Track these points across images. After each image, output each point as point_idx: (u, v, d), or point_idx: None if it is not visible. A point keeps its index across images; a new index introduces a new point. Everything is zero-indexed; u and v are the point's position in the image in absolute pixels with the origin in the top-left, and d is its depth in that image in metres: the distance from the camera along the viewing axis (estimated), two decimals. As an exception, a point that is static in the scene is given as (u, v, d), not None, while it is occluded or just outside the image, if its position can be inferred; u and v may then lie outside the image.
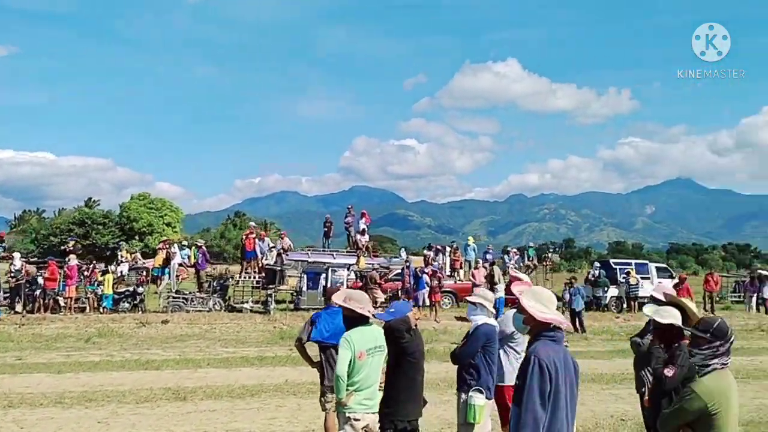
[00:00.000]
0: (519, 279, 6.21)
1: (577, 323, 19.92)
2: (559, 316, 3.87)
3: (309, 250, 29.28)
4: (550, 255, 29.04)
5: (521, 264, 27.92)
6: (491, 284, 22.03)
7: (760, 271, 29.00)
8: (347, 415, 5.31)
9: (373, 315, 5.34)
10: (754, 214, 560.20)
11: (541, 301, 3.83)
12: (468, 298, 6.01)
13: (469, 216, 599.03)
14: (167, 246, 23.27)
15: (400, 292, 22.89)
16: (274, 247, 24.80)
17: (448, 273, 26.21)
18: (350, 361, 5.25)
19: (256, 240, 23.61)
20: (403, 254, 35.35)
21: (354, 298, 5.44)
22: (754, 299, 26.32)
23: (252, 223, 28.18)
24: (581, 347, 16.72)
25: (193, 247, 24.31)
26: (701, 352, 3.68)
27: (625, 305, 24.67)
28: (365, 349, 5.20)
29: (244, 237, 24.30)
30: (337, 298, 5.58)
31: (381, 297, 22.89)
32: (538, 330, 3.81)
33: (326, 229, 28.67)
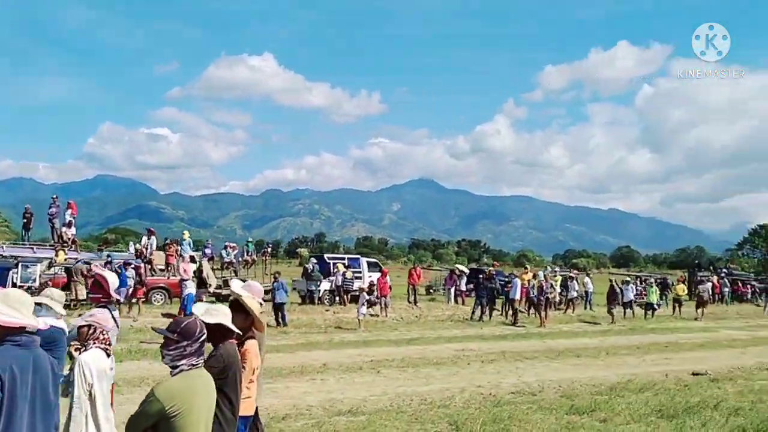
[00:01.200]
0: (102, 276, 5.95)
1: (279, 316, 20.25)
2: (28, 319, 3.68)
3: (4, 243, 26.50)
4: (268, 249, 29.33)
5: (240, 258, 27.89)
6: (200, 279, 21.70)
7: (457, 266, 32.13)
8: None
9: None
10: (485, 213, 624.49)
11: (9, 303, 3.62)
12: (34, 298, 5.61)
13: (224, 209, 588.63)
14: None
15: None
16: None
17: (162, 267, 25.26)
18: None
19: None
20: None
21: None
22: (452, 291, 28.94)
23: None
24: (276, 341, 16.92)
25: None
26: (169, 353, 3.62)
27: (338, 299, 25.74)
28: None
29: None
30: None
31: (83, 292, 21.38)
32: (3, 334, 3.60)
33: (25, 221, 26.10)
